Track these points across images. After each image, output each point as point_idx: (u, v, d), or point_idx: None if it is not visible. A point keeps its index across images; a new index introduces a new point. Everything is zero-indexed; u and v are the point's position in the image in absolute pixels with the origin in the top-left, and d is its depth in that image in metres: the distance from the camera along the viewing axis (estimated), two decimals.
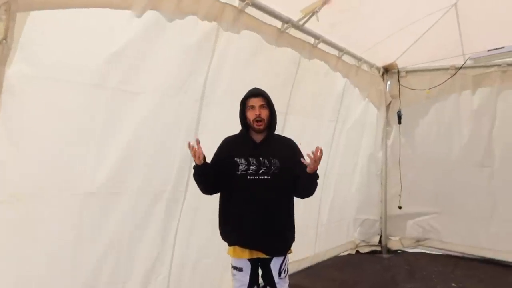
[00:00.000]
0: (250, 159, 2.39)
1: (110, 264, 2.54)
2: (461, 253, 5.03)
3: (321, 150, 2.22)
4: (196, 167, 2.33)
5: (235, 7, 2.93)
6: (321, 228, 4.65)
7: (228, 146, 2.50)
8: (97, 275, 2.47)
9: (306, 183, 2.39)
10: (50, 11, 1.99)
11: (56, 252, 2.27)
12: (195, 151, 2.22)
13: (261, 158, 2.39)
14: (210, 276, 3.29)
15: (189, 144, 2.24)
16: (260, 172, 2.37)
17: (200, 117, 2.94)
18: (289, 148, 2.53)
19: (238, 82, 3.03)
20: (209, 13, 2.78)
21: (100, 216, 2.45)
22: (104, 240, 2.49)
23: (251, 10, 3.07)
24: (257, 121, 2.38)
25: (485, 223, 4.84)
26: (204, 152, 2.28)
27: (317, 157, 2.22)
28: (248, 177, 2.36)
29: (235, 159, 2.39)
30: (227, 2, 2.86)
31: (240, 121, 2.48)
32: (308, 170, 2.27)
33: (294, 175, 2.41)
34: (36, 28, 1.97)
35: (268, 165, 2.38)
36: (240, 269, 2.44)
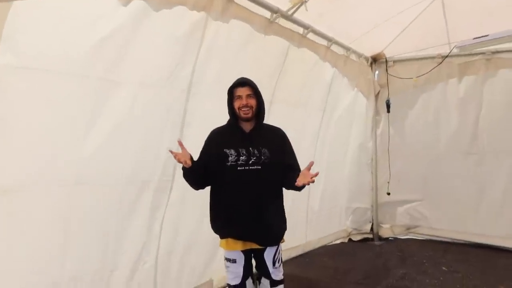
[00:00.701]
0: (240, 149, 2.37)
1: (97, 253, 2.57)
2: (450, 239, 5.12)
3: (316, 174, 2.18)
4: (184, 169, 2.31)
5: None
6: (312, 215, 4.69)
7: (217, 138, 2.46)
8: (85, 264, 2.49)
9: (294, 188, 2.35)
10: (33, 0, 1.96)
11: (43, 242, 2.27)
12: (179, 157, 2.18)
13: (250, 148, 2.37)
14: (198, 264, 3.33)
15: (171, 151, 2.21)
16: (250, 162, 2.35)
17: (187, 107, 2.95)
18: (279, 137, 2.53)
19: (227, 72, 3.03)
20: (198, 3, 2.78)
21: (87, 206, 2.46)
22: (91, 230, 2.51)
23: (240, 0, 3.06)
24: (244, 108, 2.36)
25: (473, 209, 4.94)
26: (189, 150, 2.26)
27: (309, 180, 2.18)
28: (238, 168, 2.35)
29: (225, 150, 2.36)
30: None
31: (228, 111, 2.45)
32: (296, 183, 2.23)
33: (284, 164, 2.42)
34: (19, 19, 1.96)
35: (258, 155, 2.37)
36: (234, 261, 2.43)
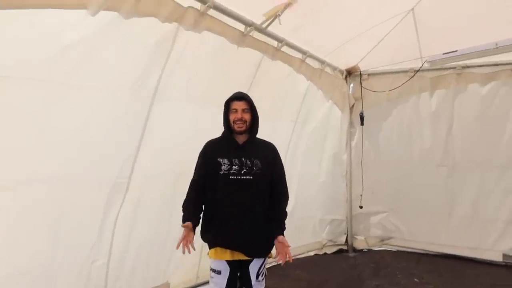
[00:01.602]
0: (233, 159, 2.42)
1: (47, 248, 2.57)
2: (423, 250, 5.19)
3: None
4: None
5: (196, 9, 2.92)
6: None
7: (211, 148, 2.53)
8: (34, 259, 2.49)
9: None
10: None
11: None
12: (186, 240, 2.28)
13: (243, 159, 2.43)
14: (154, 266, 3.34)
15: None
16: (243, 172, 2.40)
17: (150, 113, 2.97)
18: (270, 151, 2.60)
19: (196, 81, 3.11)
20: (170, 16, 2.77)
21: (39, 204, 2.48)
22: (42, 227, 2.52)
23: (214, 13, 3.07)
24: (238, 122, 2.43)
25: (444, 220, 5.03)
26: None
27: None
28: (230, 177, 2.39)
29: (218, 159, 2.42)
30: (189, 5, 2.85)
31: (224, 122, 2.53)
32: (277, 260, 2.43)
33: (271, 180, 2.49)
34: None
35: (250, 165, 2.42)
36: (219, 272, 2.44)
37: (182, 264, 3.56)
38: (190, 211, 2.41)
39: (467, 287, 3.98)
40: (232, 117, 2.46)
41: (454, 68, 4.86)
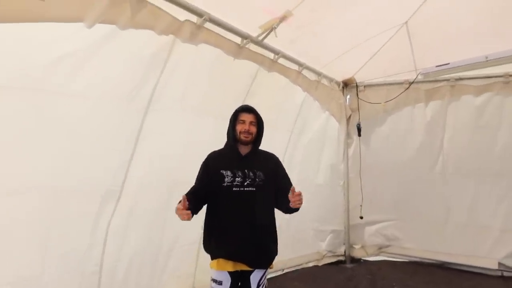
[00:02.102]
0: (236, 171, 2.45)
1: (38, 259, 2.58)
2: (420, 258, 5.24)
3: (299, 193, 2.25)
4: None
5: (193, 23, 2.97)
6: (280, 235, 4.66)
7: (214, 160, 2.56)
8: (23, 269, 2.50)
9: (288, 209, 2.42)
10: None
11: None
12: (181, 212, 2.16)
13: (246, 170, 2.46)
14: (147, 275, 3.33)
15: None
16: (246, 184, 2.43)
17: (144, 123, 3.00)
18: (273, 161, 2.64)
19: (191, 92, 3.16)
20: (167, 29, 2.82)
21: (32, 211, 2.49)
22: (33, 234, 2.54)
23: (210, 26, 3.13)
24: (245, 133, 2.48)
25: (440, 228, 5.09)
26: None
27: (296, 199, 2.24)
28: (233, 189, 2.42)
29: (221, 171, 2.45)
30: (186, 18, 2.90)
31: (229, 132, 2.56)
32: (291, 205, 2.30)
33: (276, 188, 2.50)
34: None
35: (253, 177, 2.45)
36: (220, 283, 2.45)
37: (176, 274, 3.55)
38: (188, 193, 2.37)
39: None
40: (239, 127, 2.50)
41: (448, 80, 4.95)
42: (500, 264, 4.71)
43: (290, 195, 2.28)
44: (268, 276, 4.27)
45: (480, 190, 4.88)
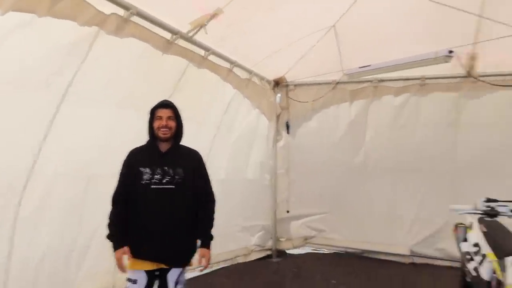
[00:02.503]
0: (155, 168, 2.41)
1: None
2: (343, 247, 5.59)
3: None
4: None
5: (119, 16, 2.84)
6: None
7: (134, 157, 2.51)
8: None
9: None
10: None
11: None
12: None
13: (165, 168, 2.42)
14: (60, 273, 3.18)
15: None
16: (164, 181, 2.40)
17: (59, 112, 2.86)
18: (194, 159, 2.59)
19: (115, 83, 3.07)
20: (90, 20, 2.69)
21: None
22: None
23: (138, 20, 3.01)
24: (163, 129, 2.42)
25: (362, 219, 5.44)
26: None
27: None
28: (152, 186, 2.39)
29: (140, 168, 2.41)
30: (113, 11, 2.78)
31: (148, 130, 2.50)
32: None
33: (196, 188, 2.49)
34: None
35: (172, 174, 2.41)
36: (134, 281, 2.42)
37: (94, 272, 3.39)
38: (122, 230, 2.42)
39: (380, 286, 4.29)
40: (156, 124, 2.44)
41: (371, 81, 5.25)
42: (411, 251, 5.17)
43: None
44: (196, 274, 4.31)
45: (397, 184, 5.27)
